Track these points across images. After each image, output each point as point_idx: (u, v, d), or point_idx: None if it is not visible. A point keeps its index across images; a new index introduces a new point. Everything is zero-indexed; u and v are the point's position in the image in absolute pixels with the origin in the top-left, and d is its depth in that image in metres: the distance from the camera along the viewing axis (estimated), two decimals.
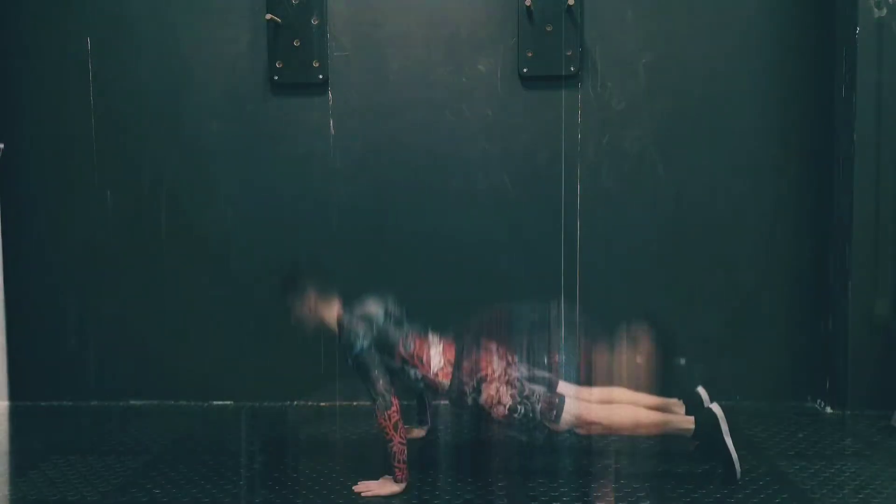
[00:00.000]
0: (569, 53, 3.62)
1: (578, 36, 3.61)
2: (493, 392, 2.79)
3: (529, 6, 3.58)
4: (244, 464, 3.09)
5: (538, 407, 2.77)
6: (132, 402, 3.91)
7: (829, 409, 3.58)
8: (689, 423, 2.81)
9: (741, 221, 3.68)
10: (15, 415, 3.79)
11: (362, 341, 2.77)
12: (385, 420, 2.70)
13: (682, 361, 3.70)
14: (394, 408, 2.70)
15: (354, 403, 3.77)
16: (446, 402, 2.95)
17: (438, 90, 3.71)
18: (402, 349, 2.84)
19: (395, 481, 2.74)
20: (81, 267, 3.88)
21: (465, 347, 2.91)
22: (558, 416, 2.76)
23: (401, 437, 2.71)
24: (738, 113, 3.64)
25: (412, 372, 2.85)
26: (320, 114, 3.76)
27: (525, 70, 3.65)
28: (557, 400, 2.78)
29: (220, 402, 3.88)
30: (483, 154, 3.72)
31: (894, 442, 3.17)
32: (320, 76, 3.72)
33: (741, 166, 3.65)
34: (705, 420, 2.78)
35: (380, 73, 3.73)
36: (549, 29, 3.60)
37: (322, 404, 3.81)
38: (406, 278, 3.76)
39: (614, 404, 2.88)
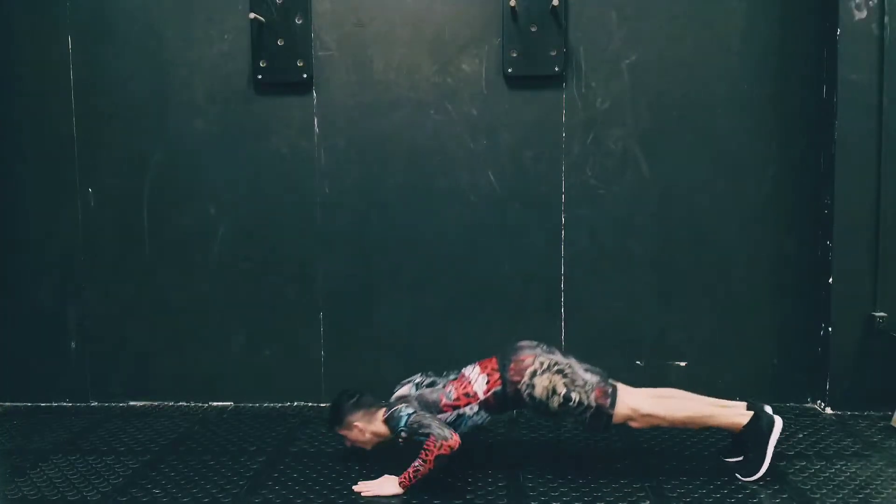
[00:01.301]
0: (553, 53, 3.63)
1: (563, 36, 3.63)
2: (546, 383, 2.79)
3: (514, 6, 3.58)
4: (244, 464, 3.09)
5: (591, 395, 2.76)
6: (132, 402, 3.90)
7: (828, 410, 3.60)
8: (744, 417, 2.81)
9: (727, 220, 3.70)
10: (15, 415, 3.77)
11: (406, 412, 2.79)
12: (436, 447, 2.66)
13: (683, 364, 3.74)
14: (453, 440, 2.68)
15: None
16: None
17: (423, 90, 3.72)
18: (445, 401, 2.87)
19: (399, 484, 2.74)
20: (79, 267, 3.86)
21: (506, 352, 2.92)
22: (612, 403, 2.75)
23: (433, 465, 2.68)
24: (721, 113, 3.66)
25: (468, 410, 2.87)
26: (304, 113, 3.75)
27: (510, 70, 3.66)
28: (611, 389, 2.78)
29: (219, 403, 3.88)
30: (468, 153, 3.73)
31: (894, 442, 3.20)
32: (304, 75, 3.71)
33: (725, 165, 3.68)
34: (765, 420, 2.79)
35: (364, 73, 3.73)
36: (533, 29, 3.62)
37: (322, 405, 3.81)
38: (390, 276, 3.78)
39: (668, 399, 2.88)
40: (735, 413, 2.86)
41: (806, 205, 3.66)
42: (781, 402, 3.71)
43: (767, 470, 2.85)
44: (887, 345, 3.49)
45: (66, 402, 3.92)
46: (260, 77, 3.72)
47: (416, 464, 2.70)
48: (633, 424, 2.80)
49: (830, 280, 3.56)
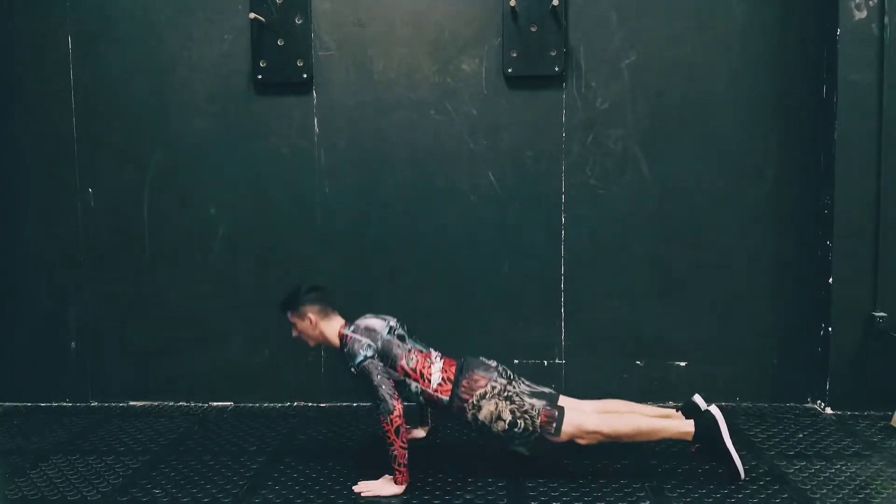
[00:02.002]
0: (553, 53, 3.63)
1: (563, 36, 3.63)
2: (492, 408, 2.83)
3: (514, 6, 3.58)
4: (244, 464, 3.09)
5: (538, 421, 2.80)
6: (131, 402, 3.90)
7: (828, 410, 3.60)
8: (688, 426, 2.84)
9: (727, 220, 3.70)
10: (15, 415, 3.77)
11: (365, 352, 2.82)
12: (388, 424, 2.74)
13: (683, 364, 3.73)
14: (396, 412, 2.74)
15: (354, 404, 3.79)
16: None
17: (423, 90, 3.72)
18: (404, 363, 2.89)
19: (396, 483, 2.77)
20: (79, 267, 3.86)
21: (464, 365, 2.95)
22: (558, 428, 2.79)
23: (402, 441, 2.75)
24: (721, 113, 3.66)
25: (413, 385, 2.90)
26: (304, 113, 3.75)
27: (510, 70, 3.66)
28: (557, 413, 2.81)
29: (219, 403, 3.88)
30: (468, 153, 3.73)
31: (894, 442, 3.20)
32: (304, 75, 3.71)
33: (725, 165, 3.68)
34: (705, 423, 2.81)
35: (364, 73, 3.73)
36: (533, 29, 3.61)
37: (322, 405, 3.81)
38: (390, 276, 3.78)
39: (613, 414, 2.91)
40: (680, 424, 2.88)
41: (806, 205, 3.66)
42: (781, 402, 3.72)
43: (767, 469, 2.85)
44: (887, 345, 3.49)
45: (66, 402, 3.92)
46: (260, 77, 3.72)
47: (391, 453, 2.75)
48: (581, 442, 2.82)
49: (830, 280, 3.55)
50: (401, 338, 2.96)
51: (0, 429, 3.58)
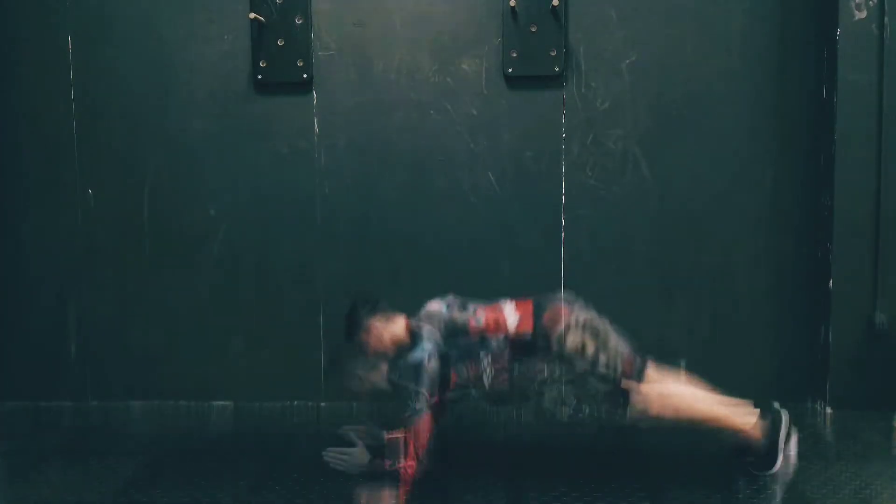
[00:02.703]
0: (553, 53, 3.63)
1: (563, 36, 3.63)
2: (578, 340, 2.74)
3: (514, 6, 3.58)
4: (245, 464, 3.08)
5: (619, 363, 2.72)
6: (132, 402, 3.89)
7: (828, 410, 3.60)
8: (751, 416, 2.78)
9: (727, 220, 3.69)
10: (14, 415, 3.77)
11: (426, 343, 2.79)
12: (411, 435, 2.69)
13: (683, 363, 3.72)
14: (414, 463, 2.70)
15: (355, 404, 3.78)
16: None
17: (423, 90, 3.71)
18: (474, 324, 2.84)
19: (368, 460, 2.78)
20: (79, 267, 3.85)
21: (542, 300, 2.89)
22: (640, 373, 2.71)
23: (413, 461, 2.70)
24: (721, 113, 3.66)
25: (494, 343, 2.81)
26: (304, 113, 3.75)
27: (509, 70, 3.66)
28: (639, 361, 2.75)
29: (220, 403, 3.87)
30: (468, 153, 3.73)
31: (894, 443, 3.21)
32: (304, 75, 3.71)
33: (725, 165, 3.68)
34: (772, 419, 2.80)
35: (364, 73, 3.73)
36: (533, 29, 3.61)
37: (322, 404, 3.81)
38: (390, 276, 3.77)
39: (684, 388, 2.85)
40: (743, 414, 2.83)
41: (806, 205, 3.66)
42: (782, 403, 3.70)
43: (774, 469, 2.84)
44: (888, 345, 3.49)
45: (67, 402, 3.90)
46: (260, 77, 3.72)
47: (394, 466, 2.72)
48: (651, 409, 2.74)
49: (830, 281, 3.55)
50: (462, 307, 2.92)
51: (1, 429, 3.57)
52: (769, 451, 2.79)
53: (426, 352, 2.79)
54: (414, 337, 2.87)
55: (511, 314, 2.86)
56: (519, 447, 3.28)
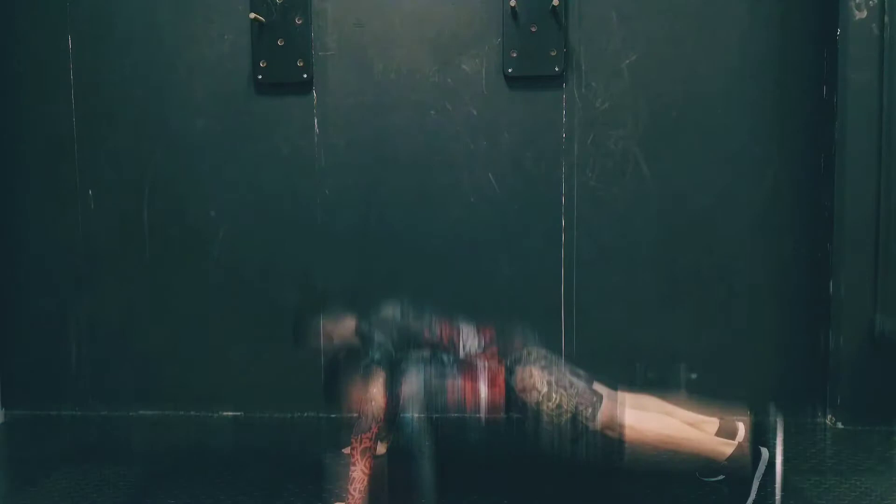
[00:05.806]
0: (553, 53, 3.63)
1: (563, 36, 3.63)
2: (527, 375, 2.63)
3: (514, 6, 3.59)
4: (254, 474, 3.07)
5: (575, 401, 2.60)
6: (141, 412, 3.88)
7: (839, 425, 3.56)
8: (726, 445, 2.62)
9: (728, 220, 3.67)
10: (23, 423, 3.76)
11: (374, 352, 2.72)
12: (356, 442, 2.60)
13: (693, 375, 3.69)
14: (369, 433, 2.60)
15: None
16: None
17: (423, 90, 3.71)
18: (427, 335, 2.80)
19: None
20: (80, 270, 3.85)
21: (501, 330, 2.85)
22: (594, 414, 2.58)
23: (364, 465, 2.59)
24: (722, 113, 3.66)
25: (444, 357, 2.77)
26: (304, 113, 3.75)
27: (510, 70, 3.66)
28: (595, 398, 2.61)
29: (229, 413, 3.86)
30: (468, 153, 3.73)
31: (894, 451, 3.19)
32: (304, 75, 3.71)
33: (725, 165, 3.67)
34: (752, 453, 2.61)
35: (364, 73, 3.73)
36: (533, 29, 3.62)
37: (332, 415, 3.78)
38: (390, 276, 3.77)
39: (648, 412, 2.72)
40: (715, 442, 2.68)
41: (806, 205, 3.66)
42: (789, 415, 3.67)
43: (781, 484, 2.69)
44: (889, 349, 3.44)
45: (75, 411, 3.89)
46: (260, 77, 3.72)
47: (349, 474, 2.60)
48: (610, 434, 2.63)
49: (831, 286, 3.54)
50: (417, 316, 2.88)
51: (9, 437, 3.56)
52: (744, 483, 2.63)
53: (372, 360, 2.73)
54: (364, 340, 2.80)
55: (471, 337, 2.82)
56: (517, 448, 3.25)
